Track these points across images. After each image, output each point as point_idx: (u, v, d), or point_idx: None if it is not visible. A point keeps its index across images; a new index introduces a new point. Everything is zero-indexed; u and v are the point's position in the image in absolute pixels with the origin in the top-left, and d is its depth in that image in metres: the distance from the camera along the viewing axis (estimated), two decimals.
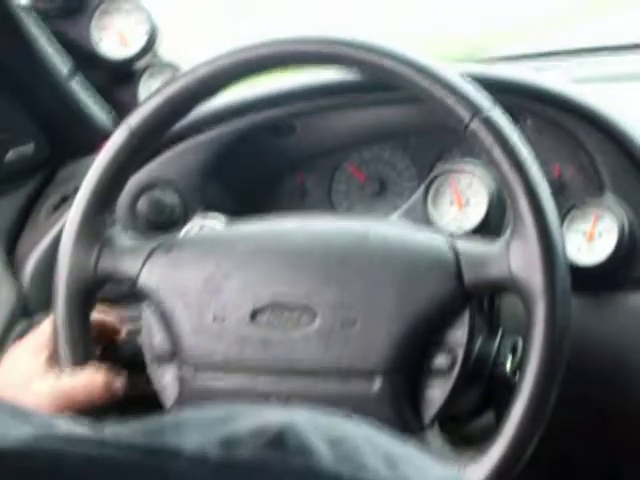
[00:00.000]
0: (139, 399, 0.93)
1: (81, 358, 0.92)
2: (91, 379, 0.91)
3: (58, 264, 0.93)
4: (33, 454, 0.30)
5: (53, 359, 0.93)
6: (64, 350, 0.92)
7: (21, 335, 1.14)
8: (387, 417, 0.84)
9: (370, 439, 0.33)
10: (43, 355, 0.93)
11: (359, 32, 0.90)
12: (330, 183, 1.19)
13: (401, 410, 0.85)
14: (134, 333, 0.99)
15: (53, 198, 1.21)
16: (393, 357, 0.84)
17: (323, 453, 0.31)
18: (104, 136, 0.98)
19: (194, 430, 0.32)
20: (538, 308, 0.81)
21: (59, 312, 0.92)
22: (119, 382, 0.92)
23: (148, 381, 0.93)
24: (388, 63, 0.86)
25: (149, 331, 0.93)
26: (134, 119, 0.92)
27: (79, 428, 0.32)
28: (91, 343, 0.95)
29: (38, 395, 0.89)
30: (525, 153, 0.84)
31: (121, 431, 0.32)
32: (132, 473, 0.30)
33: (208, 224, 1.09)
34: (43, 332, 0.95)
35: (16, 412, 0.34)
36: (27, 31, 1.14)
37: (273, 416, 0.32)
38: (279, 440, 0.31)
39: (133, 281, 0.92)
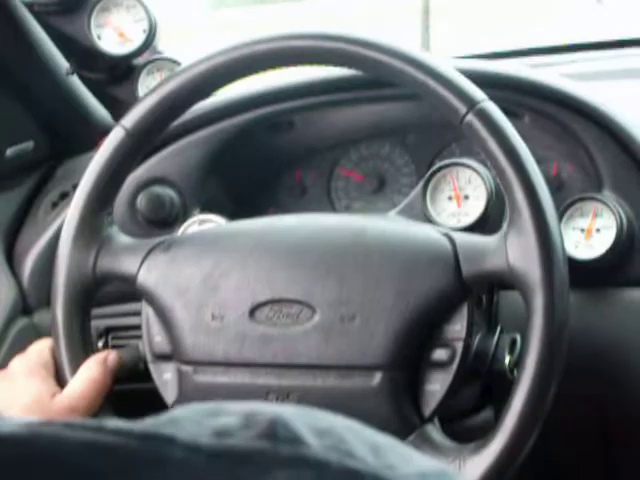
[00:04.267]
0: (140, 400, 0.93)
1: (80, 357, 0.93)
2: (88, 376, 0.91)
3: (57, 264, 0.93)
4: (31, 439, 0.31)
5: (54, 377, 0.93)
6: (63, 351, 0.92)
7: (20, 333, 1.15)
8: (387, 412, 0.85)
9: (356, 430, 0.34)
10: (42, 376, 0.92)
11: (355, 28, 0.90)
12: (329, 180, 1.19)
13: (401, 405, 0.85)
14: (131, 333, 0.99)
15: (52, 195, 1.21)
16: (392, 352, 0.85)
17: (311, 442, 0.32)
18: (103, 133, 0.98)
19: (187, 423, 0.32)
20: (536, 299, 0.81)
21: (58, 312, 0.93)
22: (111, 358, 0.93)
23: (149, 380, 0.93)
24: (383, 57, 0.86)
25: (148, 330, 0.93)
26: (130, 118, 0.93)
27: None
28: (90, 343, 0.95)
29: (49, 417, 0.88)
30: (521, 145, 0.84)
31: (119, 422, 0.32)
32: (128, 459, 0.31)
33: (207, 222, 1.09)
34: (38, 352, 0.94)
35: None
36: (26, 28, 1.14)
37: (262, 409, 0.33)
38: (269, 430, 0.32)
39: (132, 280, 0.92)
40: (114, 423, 0.32)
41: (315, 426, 0.33)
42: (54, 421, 0.32)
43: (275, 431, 0.32)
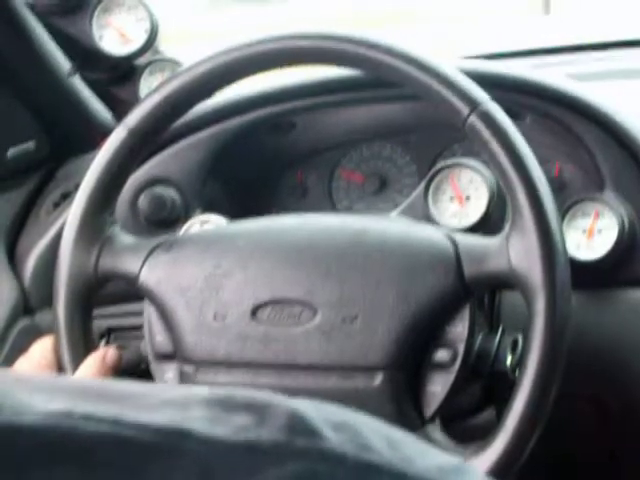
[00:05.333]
0: None
1: (82, 357, 0.93)
2: (87, 374, 0.91)
3: (59, 264, 0.93)
4: (47, 431, 0.31)
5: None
6: (65, 351, 0.92)
7: (22, 333, 1.15)
8: (388, 412, 0.85)
9: (372, 424, 0.34)
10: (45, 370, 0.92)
11: (357, 28, 0.90)
12: (330, 180, 1.19)
13: (402, 405, 0.85)
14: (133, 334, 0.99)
15: (54, 195, 1.21)
16: (394, 352, 0.85)
17: (328, 435, 0.32)
18: (105, 133, 0.98)
19: (203, 415, 0.32)
20: (538, 300, 0.81)
21: (60, 312, 0.93)
22: (110, 355, 0.93)
23: (150, 380, 0.93)
24: (386, 58, 0.86)
25: (150, 329, 0.93)
26: (132, 118, 0.93)
27: (99, 407, 0.33)
28: (92, 342, 0.95)
29: None
30: (523, 146, 0.84)
31: (134, 415, 0.32)
32: (144, 451, 0.31)
33: (208, 222, 1.09)
34: (41, 352, 0.94)
35: (38, 387, 0.34)
36: (28, 28, 1.14)
37: (279, 402, 0.33)
38: (286, 424, 0.32)
39: (134, 280, 0.92)
40: (132, 415, 0.32)
41: (331, 420, 0.33)
42: (73, 412, 0.32)
43: (292, 424, 0.32)
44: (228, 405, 0.33)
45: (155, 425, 0.31)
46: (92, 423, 0.31)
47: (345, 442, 0.32)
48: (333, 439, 0.32)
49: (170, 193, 1.14)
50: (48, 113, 1.21)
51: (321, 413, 0.33)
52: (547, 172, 0.87)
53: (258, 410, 0.33)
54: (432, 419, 0.86)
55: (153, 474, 0.30)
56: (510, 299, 0.94)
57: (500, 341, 0.89)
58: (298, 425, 0.32)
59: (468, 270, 0.85)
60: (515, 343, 0.89)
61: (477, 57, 1.38)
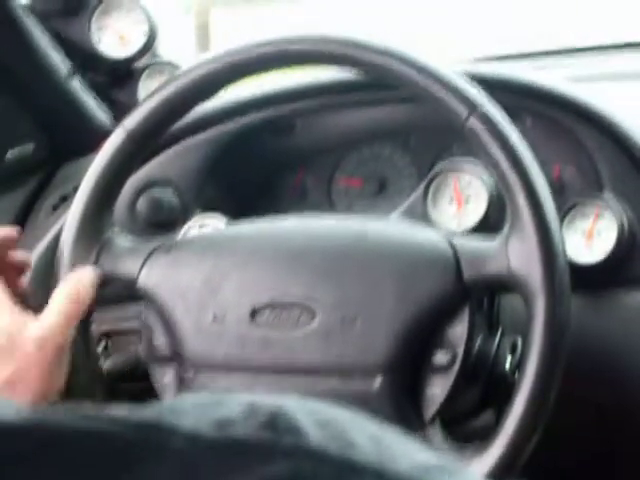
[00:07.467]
0: (139, 401, 0.92)
1: (82, 361, 0.93)
2: (58, 309, 0.83)
3: (57, 266, 0.93)
4: (28, 428, 0.31)
5: (19, 301, 0.83)
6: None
7: None
8: (388, 415, 0.84)
9: (357, 422, 0.34)
10: (8, 306, 0.82)
11: (356, 30, 0.90)
12: (330, 182, 1.19)
13: (402, 407, 0.85)
14: (132, 335, 0.99)
15: (53, 198, 1.21)
16: (393, 355, 0.84)
17: (312, 433, 0.32)
18: (103, 136, 0.98)
19: (188, 412, 0.32)
20: (537, 303, 0.81)
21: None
22: (86, 281, 0.87)
23: (149, 383, 0.93)
24: (386, 61, 0.86)
25: (148, 332, 0.93)
26: (131, 121, 0.92)
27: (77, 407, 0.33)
28: (91, 344, 0.95)
29: (33, 349, 0.79)
30: (522, 149, 0.84)
31: (119, 411, 0.32)
32: (127, 448, 0.31)
33: (207, 224, 1.09)
34: (75, 287, 0.85)
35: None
36: (27, 31, 1.14)
37: (264, 400, 0.33)
38: (270, 421, 0.32)
39: (132, 282, 0.92)
40: (115, 412, 0.32)
41: (317, 417, 0.33)
42: (51, 411, 0.32)
43: (276, 422, 0.32)
44: (214, 402, 0.33)
45: (139, 421, 0.31)
46: (74, 419, 0.31)
47: (329, 440, 0.32)
48: (317, 437, 0.32)
49: (169, 195, 1.14)
50: (47, 115, 1.21)
51: (306, 411, 0.33)
52: (546, 174, 0.87)
53: (243, 408, 0.32)
54: (432, 421, 0.86)
55: (137, 471, 0.30)
56: (509, 301, 0.94)
57: (499, 343, 0.89)
58: (282, 423, 0.32)
59: (467, 272, 0.84)
60: (514, 345, 0.89)
61: (477, 59, 1.38)
